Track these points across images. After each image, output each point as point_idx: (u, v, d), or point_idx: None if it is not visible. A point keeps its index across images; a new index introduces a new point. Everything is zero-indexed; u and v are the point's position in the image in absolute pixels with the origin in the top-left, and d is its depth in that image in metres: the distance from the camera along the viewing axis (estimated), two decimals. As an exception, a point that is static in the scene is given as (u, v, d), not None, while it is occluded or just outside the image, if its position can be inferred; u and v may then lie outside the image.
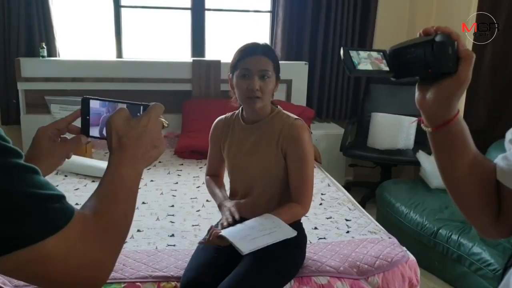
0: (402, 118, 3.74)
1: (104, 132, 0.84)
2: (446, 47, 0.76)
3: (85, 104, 0.91)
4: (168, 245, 2.06)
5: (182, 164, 3.24)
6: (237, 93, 1.72)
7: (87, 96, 0.92)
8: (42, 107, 3.58)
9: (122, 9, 3.86)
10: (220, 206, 1.81)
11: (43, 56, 3.54)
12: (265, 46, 1.73)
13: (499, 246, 2.44)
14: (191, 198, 2.62)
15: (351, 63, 0.80)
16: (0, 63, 3.59)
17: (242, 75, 1.67)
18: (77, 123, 0.94)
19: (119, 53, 3.92)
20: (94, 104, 0.91)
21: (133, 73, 3.70)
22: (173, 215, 2.40)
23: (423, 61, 0.78)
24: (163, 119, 0.84)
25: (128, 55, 3.95)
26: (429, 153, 3.41)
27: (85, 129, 0.92)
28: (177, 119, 3.75)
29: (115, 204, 0.71)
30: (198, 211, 2.48)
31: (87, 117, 0.91)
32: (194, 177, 3.00)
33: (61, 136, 0.93)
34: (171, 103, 3.78)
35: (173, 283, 1.75)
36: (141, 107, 0.85)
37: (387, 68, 0.82)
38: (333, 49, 4.03)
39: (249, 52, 1.69)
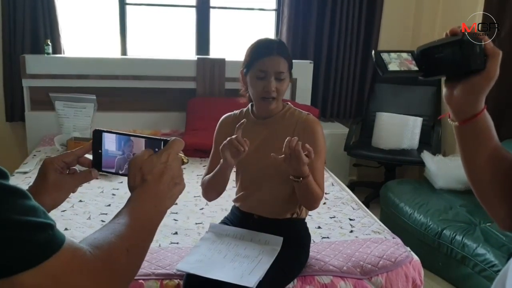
0: (407, 118, 3.72)
1: (120, 171, 0.84)
2: (474, 45, 0.79)
3: (97, 137, 0.86)
4: (171, 243, 2.05)
5: (183, 164, 3.23)
6: (251, 92, 1.71)
7: (100, 129, 0.87)
8: (46, 104, 3.59)
9: (127, 7, 3.85)
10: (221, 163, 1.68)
11: (48, 53, 3.54)
12: (280, 44, 1.73)
13: (504, 247, 2.43)
14: (195, 196, 2.62)
15: (383, 65, 0.85)
16: (5, 60, 3.59)
17: (258, 76, 1.66)
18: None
19: (124, 51, 3.92)
20: (109, 142, 0.85)
21: (138, 70, 3.70)
22: (176, 213, 2.40)
23: (452, 60, 0.82)
24: (182, 155, 0.82)
25: (133, 52, 3.95)
26: (434, 154, 3.40)
27: (96, 163, 0.87)
28: (181, 117, 3.75)
29: (118, 238, 0.65)
30: (201, 209, 2.48)
31: (99, 151, 0.86)
32: (197, 175, 2.99)
33: (71, 168, 0.88)
34: (175, 101, 3.80)
35: (176, 281, 1.75)
36: (162, 142, 0.81)
37: (416, 68, 0.87)
38: (338, 48, 4.02)
39: (265, 51, 1.67)
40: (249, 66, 1.69)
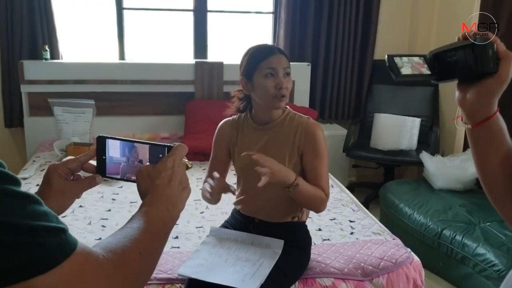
0: (405, 119, 3.74)
1: (124, 177, 0.84)
2: (486, 49, 0.81)
3: (101, 143, 0.87)
4: (172, 247, 2.06)
5: (187, 169, 3.23)
6: (260, 93, 1.68)
7: (103, 135, 0.87)
8: (45, 109, 3.59)
9: (125, 11, 3.86)
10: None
11: (46, 59, 3.55)
12: (278, 46, 1.75)
13: (504, 247, 2.44)
14: (195, 200, 2.62)
15: (396, 69, 0.86)
16: (3, 66, 3.60)
17: (268, 74, 1.65)
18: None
19: (122, 55, 3.92)
20: (113, 148, 0.86)
21: (136, 75, 3.71)
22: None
23: (465, 64, 0.83)
24: (186, 160, 0.83)
25: (131, 57, 3.96)
26: (432, 154, 3.41)
27: (101, 169, 0.88)
28: (180, 120, 3.76)
29: (131, 241, 0.66)
30: (202, 213, 2.49)
31: (103, 157, 0.87)
32: (197, 178, 3.00)
33: (75, 174, 0.89)
34: (174, 104, 3.80)
35: (178, 285, 1.75)
36: (166, 148, 0.82)
37: (428, 72, 0.88)
38: (336, 50, 4.03)
39: (269, 51, 1.68)
40: (253, 69, 1.68)
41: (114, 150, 0.86)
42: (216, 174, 1.63)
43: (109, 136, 0.87)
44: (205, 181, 1.82)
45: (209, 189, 1.63)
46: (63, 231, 0.57)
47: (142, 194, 0.78)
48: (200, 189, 2.76)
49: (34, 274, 0.52)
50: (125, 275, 0.63)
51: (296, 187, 1.59)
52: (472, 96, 0.84)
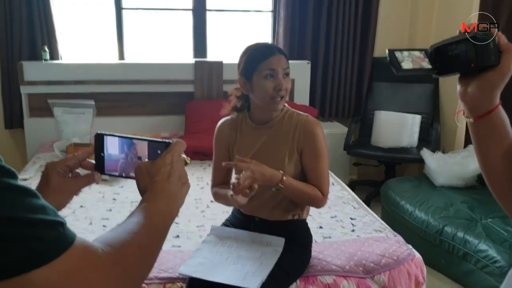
0: (406, 116, 3.73)
1: (123, 174, 0.84)
2: (487, 41, 0.80)
3: (99, 140, 0.86)
4: (173, 246, 2.06)
5: (185, 165, 3.23)
6: (259, 94, 1.68)
7: (102, 132, 0.87)
8: (45, 110, 3.59)
9: (124, 11, 3.86)
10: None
11: (45, 60, 3.55)
12: (276, 45, 1.76)
13: (506, 243, 2.43)
14: (195, 199, 2.62)
15: (397, 64, 0.86)
16: (3, 67, 3.60)
17: (268, 75, 1.64)
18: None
19: (121, 56, 3.92)
20: (112, 145, 0.86)
21: (136, 75, 3.71)
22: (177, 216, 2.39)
23: (466, 57, 0.83)
24: (184, 156, 0.83)
25: (130, 57, 3.96)
26: (433, 151, 3.41)
27: (99, 166, 0.88)
28: (180, 120, 3.76)
29: (130, 235, 0.66)
30: (202, 212, 2.48)
31: (102, 154, 0.87)
32: (198, 178, 3.00)
33: (73, 171, 0.89)
34: (174, 104, 3.80)
35: (179, 284, 1.75)
36: (164, 144, 0.82)
37: (429, 66, 0.88)
38: (335, 48, 4.03)
39: (270, 52, 1.66)
40: (252, 69, 1.66)
41: (112, 147, 0.86)
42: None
43: (108, 133, 0.87)
44: (215, 186, 1.84)
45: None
46: (61, 224, 0.57)
47: (142, 190, 0.78)
48: (201, 188, 2.79)
49: (31, 268, 0.52)
50: (124, 268, 0.63)
51: (281, 188, 1.61)
52: (474, 89, 0.83)
